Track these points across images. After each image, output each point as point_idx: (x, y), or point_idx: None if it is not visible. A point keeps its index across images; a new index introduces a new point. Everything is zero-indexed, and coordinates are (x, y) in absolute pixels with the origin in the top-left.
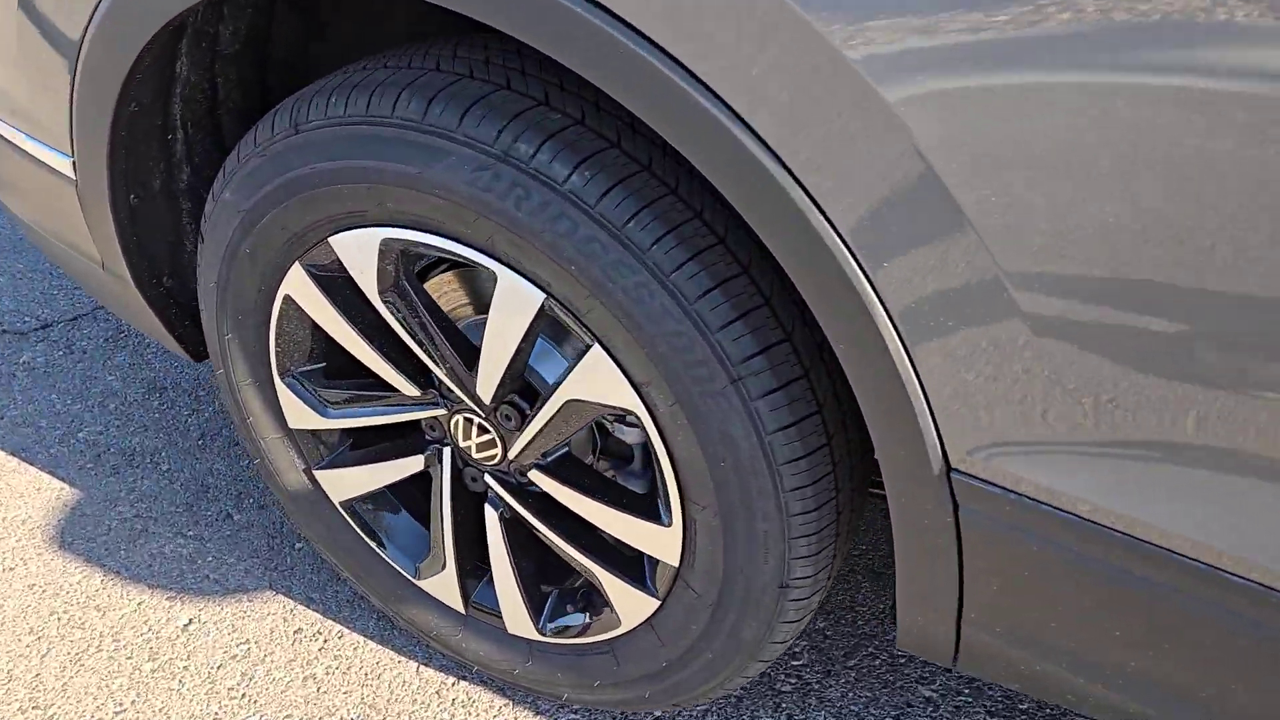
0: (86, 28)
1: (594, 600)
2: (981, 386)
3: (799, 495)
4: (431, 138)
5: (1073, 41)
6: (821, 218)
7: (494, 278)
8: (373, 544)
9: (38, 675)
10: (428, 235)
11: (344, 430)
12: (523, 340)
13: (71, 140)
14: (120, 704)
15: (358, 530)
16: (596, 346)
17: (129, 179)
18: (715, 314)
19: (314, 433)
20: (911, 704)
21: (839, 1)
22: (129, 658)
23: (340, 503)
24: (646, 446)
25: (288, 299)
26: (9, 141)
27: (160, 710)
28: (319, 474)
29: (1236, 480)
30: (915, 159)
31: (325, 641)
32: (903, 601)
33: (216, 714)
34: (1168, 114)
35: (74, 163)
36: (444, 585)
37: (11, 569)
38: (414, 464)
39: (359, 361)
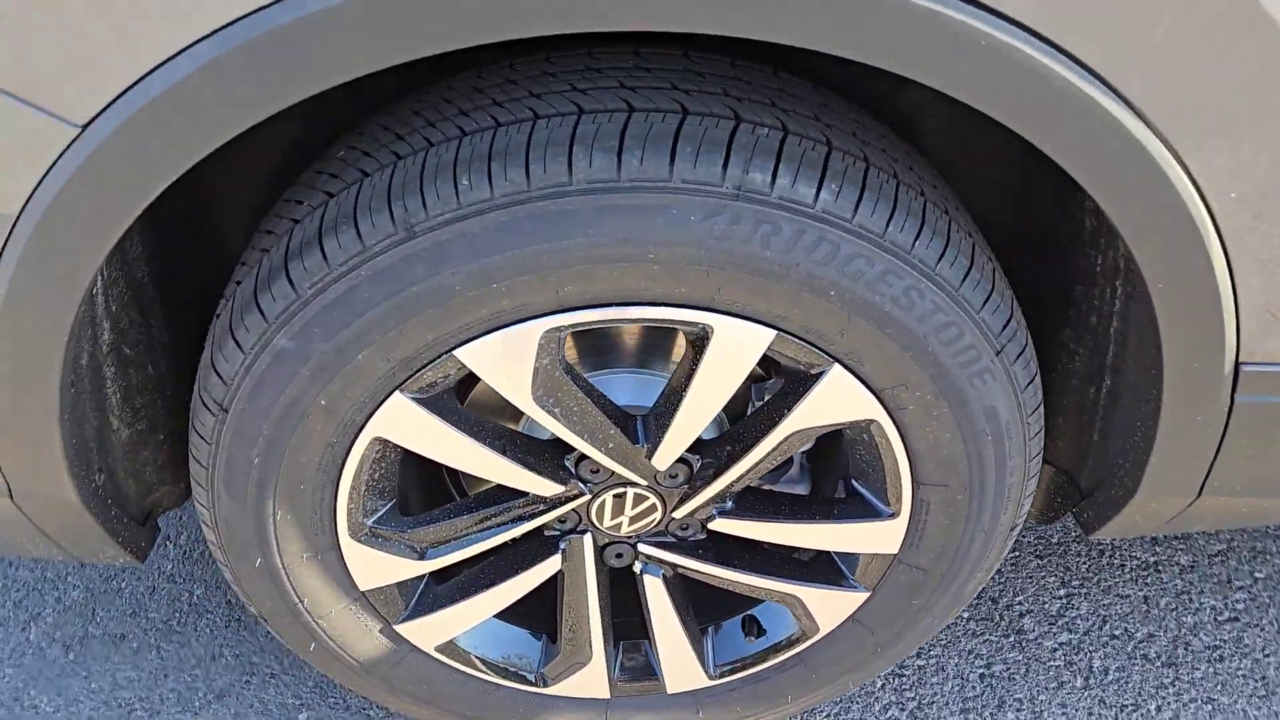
0: None
1: (757, 622)
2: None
3: (1038, 440)
4: (636, 194)
5: None
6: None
7: (676, 332)
8: (485, 674)
9: None
10: (613, 309)
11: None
12: (739, 389)
13: None
14: None
15: (462, 668)
16: (837, 366)
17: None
18: (976, 293)
19: (394, 585)
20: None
21: None
22: None
23: (437, 647)
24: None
25: (377, 441)
26: None
27: None
28: (403, 628)
29: None
30: None
31: None
32: (1146, 490)
33: None
34: None
35: None
36: (585, 679)
37: None
38: (548, 569)
39: (451, 485)
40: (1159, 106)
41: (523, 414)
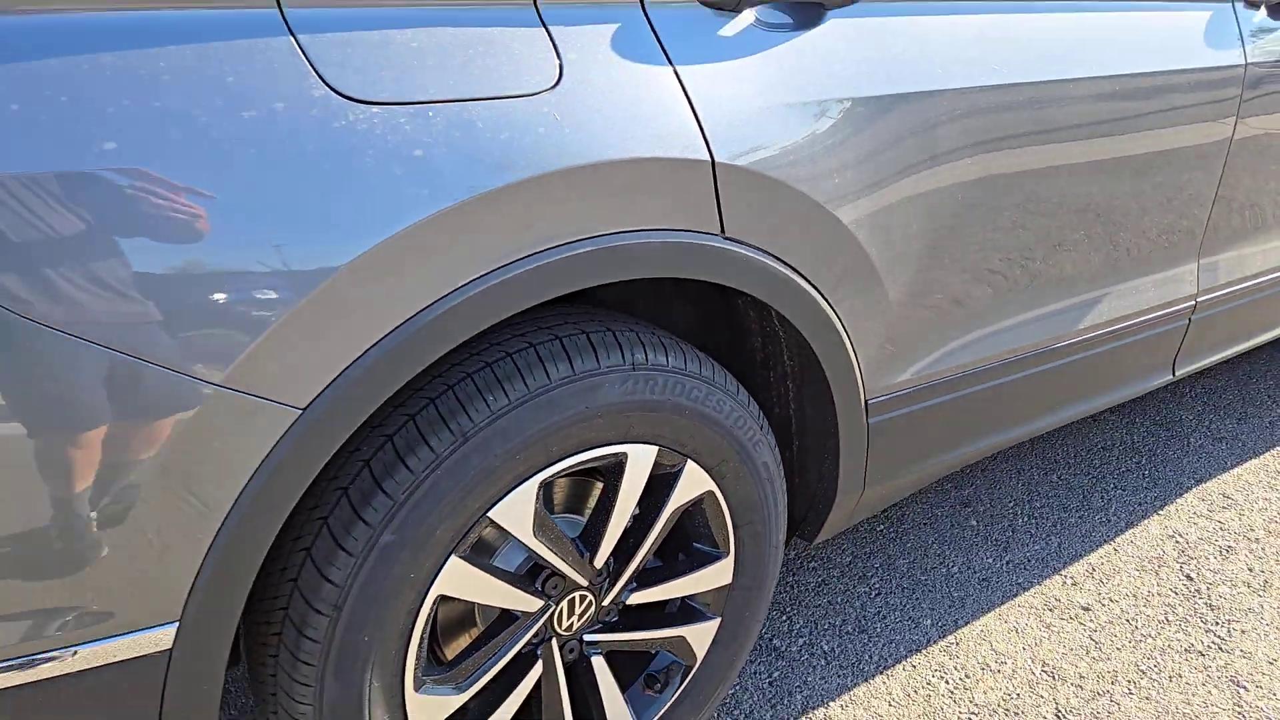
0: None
1: (655, 677)
2: (878, 344)
3: (783, 478)
4: (586, 379)
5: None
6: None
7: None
8: None
9: None
10: (574, 456)
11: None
12: (641, 496)
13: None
14: None
15: None
16: (689, 461)
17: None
18: (745, 395)
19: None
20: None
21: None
22: None
23: None
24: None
25: (438, 599)
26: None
27: None
28: None
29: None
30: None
31: None
32: (840, 496)
33: None
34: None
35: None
36: None
37: None
38: (535, 673)
39: (464, 619)
40: (812, 274)
41: (495, 550)
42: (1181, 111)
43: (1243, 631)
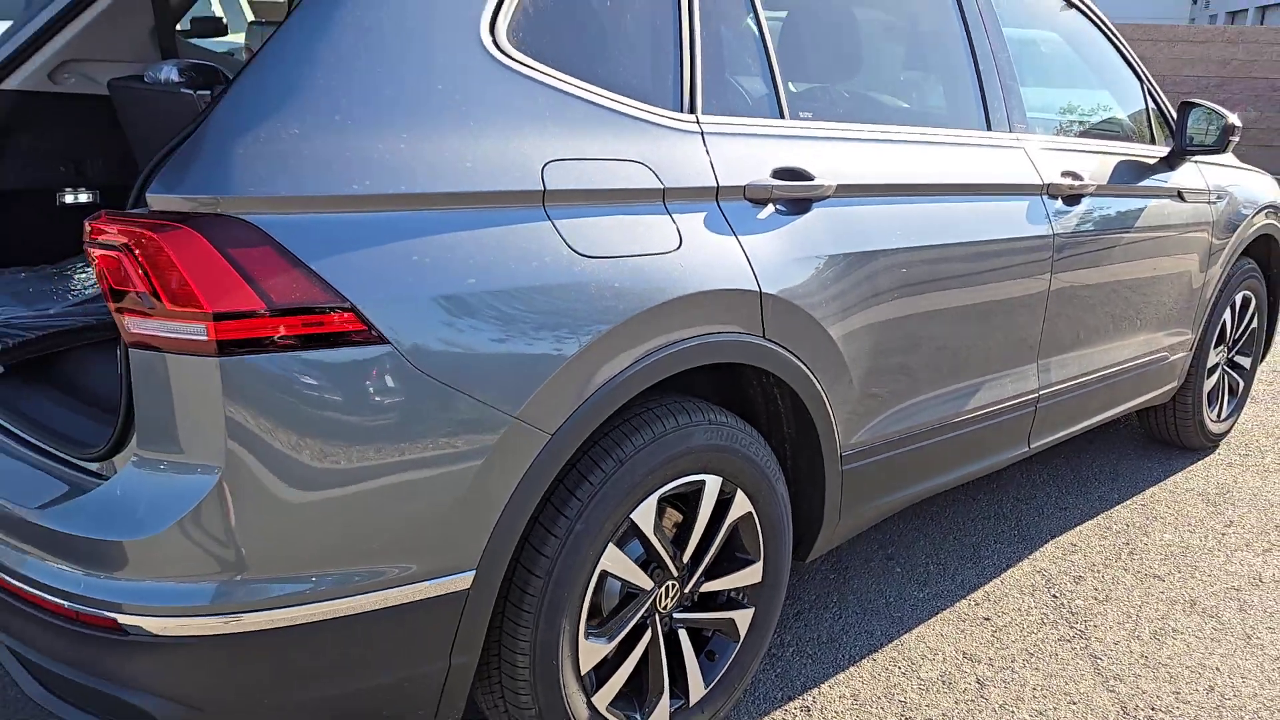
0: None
1: (712, 650)
2: (846, 413)
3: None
4: (689, 430)
5: None
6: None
7: (696, 486)
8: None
9: None
10: (675, 481)
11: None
12: (716, 512)
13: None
14: None
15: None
16: (739, 490)
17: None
18: (769, 448)
19: (593, 670)
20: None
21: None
22: None
23: (607, 708)
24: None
25: (603, 573)
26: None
27: None
28: (600, 695)
29: None
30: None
31: None
32: (824, 524)
33: None
34: None
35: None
36: (661, 711)
37: None
38: (646, 639)
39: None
40: (811, 364)
41: (627, 544)
42: (1017, 267)
43: (1095, 626)
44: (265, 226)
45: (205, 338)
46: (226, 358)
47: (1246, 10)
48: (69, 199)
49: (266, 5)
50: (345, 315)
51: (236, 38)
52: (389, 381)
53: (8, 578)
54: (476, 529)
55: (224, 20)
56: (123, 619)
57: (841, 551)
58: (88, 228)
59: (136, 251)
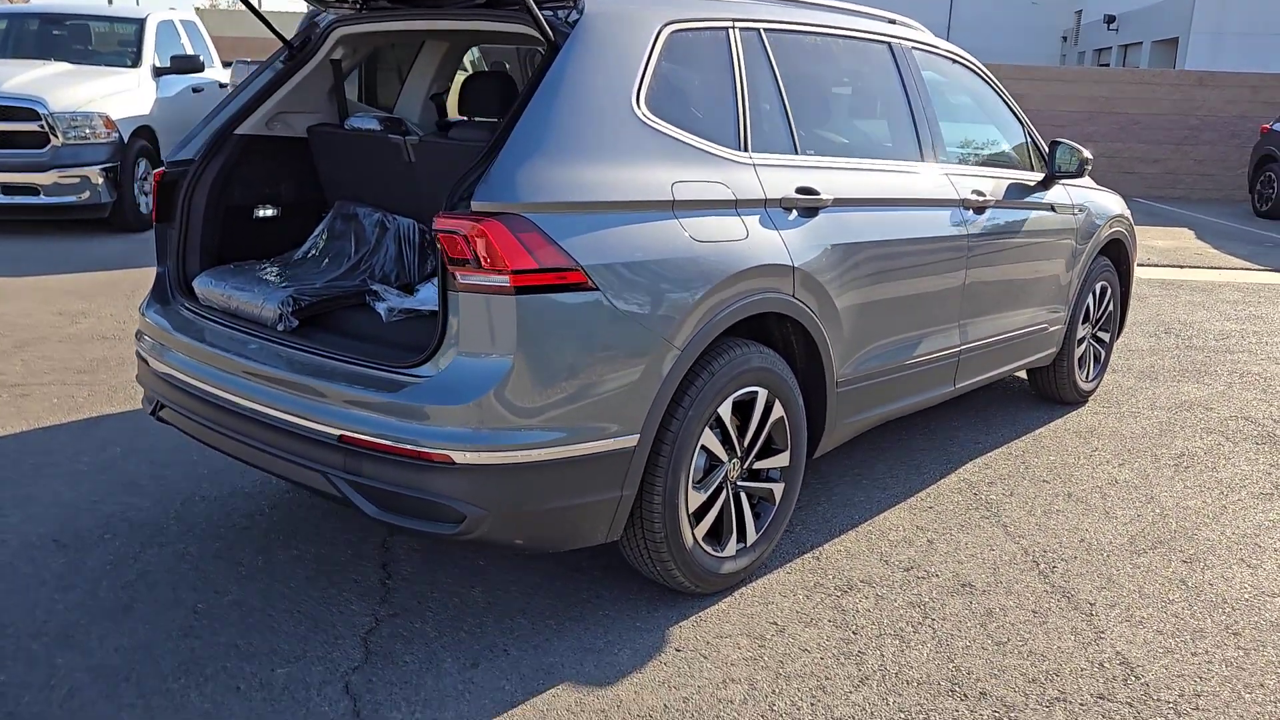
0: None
1: (758, 511)
2: (839, 353)
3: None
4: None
5: None
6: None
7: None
8: (712, 545)
9: None
10: (740, 390)
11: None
12: (764, 414)
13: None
14: None
15: (707, 549)
16: (776, 399)
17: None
18: (788, 362)
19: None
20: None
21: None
22: None
23: (702, 539)
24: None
25: (701, 449)
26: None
27: None
28: (697, 530)
29: None
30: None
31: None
32: (825, 431)
33: None
34: None
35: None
36: (732, 543)
37: None
38: (723, 497)
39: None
40: (820, 318)
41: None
42: (945, 256)
43: (1004, 509)
44: (534, 219)
45: (507, 284)
46: (519, 296)
47: (1110, 48)
48: (261, 213)
49: (230, 46)
50: (577, 274)
51: (212, 74)
52: (599, 314)
53: (369, 437)
54: (642, 405)
55: (200, 58)
56: (454, 454)
57: (826, 470)
58: (435, 223)
59: (468, 234)
